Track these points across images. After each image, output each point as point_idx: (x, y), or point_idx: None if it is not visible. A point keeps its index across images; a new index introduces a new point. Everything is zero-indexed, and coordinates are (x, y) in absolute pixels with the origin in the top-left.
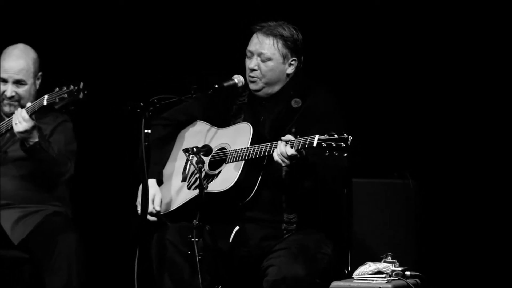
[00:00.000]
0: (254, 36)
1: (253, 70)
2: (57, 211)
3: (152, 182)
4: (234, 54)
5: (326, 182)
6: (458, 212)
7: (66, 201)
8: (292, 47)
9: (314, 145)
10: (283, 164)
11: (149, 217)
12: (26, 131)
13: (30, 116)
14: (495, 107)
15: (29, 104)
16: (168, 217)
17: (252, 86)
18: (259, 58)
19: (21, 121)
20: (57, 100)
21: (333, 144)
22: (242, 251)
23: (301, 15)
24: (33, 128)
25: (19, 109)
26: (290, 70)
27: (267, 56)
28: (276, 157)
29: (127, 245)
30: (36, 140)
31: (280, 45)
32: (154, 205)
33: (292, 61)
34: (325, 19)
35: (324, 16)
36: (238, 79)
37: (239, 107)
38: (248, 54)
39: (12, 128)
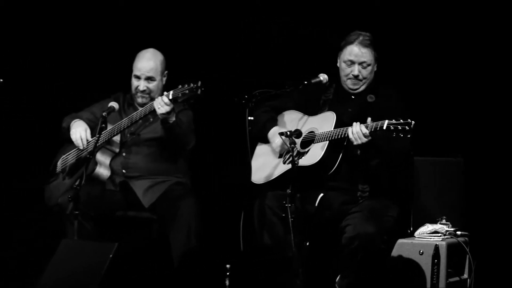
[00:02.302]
0: (353, 47)
1: (356, 76)
2: (179, 181)
3: (275, 129)
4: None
5: (392, 160)
6: (499, 184)
7: (186, 173)
8: (376, 52)
9: (384, 127)
10: (355, 142)
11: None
12: (167, 112)
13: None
14: None
15: (170, 92)
16: (269, 185)
17: (353, 87)
18: (360, 66)
19: (163, 105)
20: (180, 95)
21: (399, 127)
22: (326, 213)
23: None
24: (172, 109)
25: (160, 97)
26: (375, 69)
27: (368, 63)
28: (350, 134)
29: (234, 209)
30: (174, 119)
31: (373, 52)
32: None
33: (376, 63)
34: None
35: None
36: (323, 76)
37: (324, 102)
38: (348, 62)
39: (144, 116)
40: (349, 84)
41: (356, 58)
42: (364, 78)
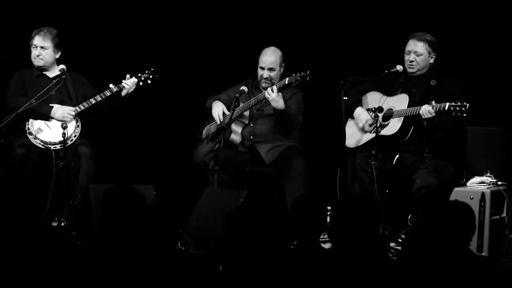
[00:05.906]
0: (411, 41)
1: (411, 61)
2: (292, 145)
3: (358, 109)
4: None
5: (450, 131)
6: None
7: (298, 139)
8: (432, 47)
9: (446, 108)
10: (423, 116)
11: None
12: (274, 99)
13: (278, 91)
14: None
15: (276, 84)
16: (358, 148)
17: (410, 70)
18: (414, 54)
19: (271, 93)
20: (293, 81)
21: (458, 108)
22: (400, 169)
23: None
24: (278, 97)
25: (269, 88)
26: (431, 61)
27: (420, 53)
28: (422, 110)
29: (331, 166)
30: (282, 107)
31: (426, 46)
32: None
33: (432, 55)
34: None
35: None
36: (399, 67)
37: (399, 84)
38: (407, 52)
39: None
40: (408, 68)
41: (411, 49)
42: (418, 64)
